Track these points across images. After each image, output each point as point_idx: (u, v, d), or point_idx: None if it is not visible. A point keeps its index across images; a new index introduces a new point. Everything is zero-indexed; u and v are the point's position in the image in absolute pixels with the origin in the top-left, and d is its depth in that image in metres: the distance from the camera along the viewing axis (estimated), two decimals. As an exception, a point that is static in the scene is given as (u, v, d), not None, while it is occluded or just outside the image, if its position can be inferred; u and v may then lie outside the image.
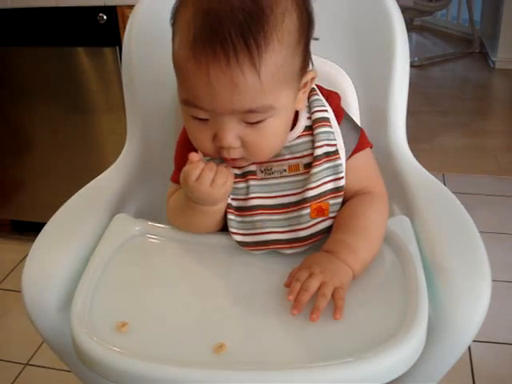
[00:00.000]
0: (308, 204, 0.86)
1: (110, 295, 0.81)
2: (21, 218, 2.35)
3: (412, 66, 4.00)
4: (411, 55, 1.10)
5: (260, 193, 0.88)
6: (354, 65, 0.96)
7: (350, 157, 0.90)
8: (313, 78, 0.87)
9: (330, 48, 0.92)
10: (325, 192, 0.87)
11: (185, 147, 0.92)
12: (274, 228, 0.87)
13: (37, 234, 0.91)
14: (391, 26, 1.07)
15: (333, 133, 0.89)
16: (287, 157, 0.89)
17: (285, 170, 0.88)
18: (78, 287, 0.81)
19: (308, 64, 0.85)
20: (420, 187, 1.01)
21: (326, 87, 0.96)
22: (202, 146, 0.84)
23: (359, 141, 0.92)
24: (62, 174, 2.15)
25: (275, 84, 0.77)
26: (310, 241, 0.87)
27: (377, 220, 0.88)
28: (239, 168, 0.89)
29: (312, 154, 0.87)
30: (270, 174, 0.88)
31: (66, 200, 1.00)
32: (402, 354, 0.69)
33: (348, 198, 0.89)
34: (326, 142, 0.88)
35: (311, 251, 0.86)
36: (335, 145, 0.88)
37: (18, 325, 1.90)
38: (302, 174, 0.88)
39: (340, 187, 0.88)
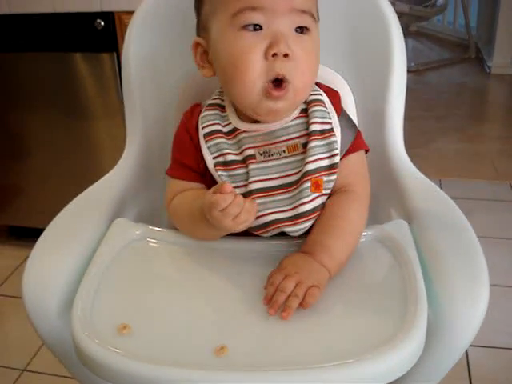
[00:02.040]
0: (308, 178, 0.87)
1: (110, 298, 0.81)
2: (18, 223, 2.35)
3: (408, 71, 3.98)
4: (407, 60, 1.11)
5: (260, 175, 0.89)
6: (351, 70, 0.97)
7: (343, 156, 0.91)
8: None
9: (327, 54, 0.92)
10: (322, 167, 0.88)
11: (183, 141, 0.94)
12: (277, 208, 0.88)
13: (34, 240, 0.91)
14: (388, 31, 1.08)
15: (328, 112, 0.92)
16: (285, 138, 0.90)
17: (284, 151, 0.90)
18: (79, 290, 0.81)
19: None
20: (417, 191, 1.02)
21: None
22: (252, 66, 0.84)
23: (354, 141, 0.94)
24: (60, 180, 2.16)
25: (314, 3, 0.88)
26: (312, 216, 0.87)
27: (355, 221, 0.89)
28: (238, 154, 0.90)
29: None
30: (269, 156, 0.90)
31: (64, 206, 1.00)
32: (402, 356, 0.70)
33: (331, 192, 0.90)
34: (320, 120, 0.90)
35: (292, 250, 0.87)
36: (330, 123, 0.90)
37: (16, 331, 1.90)
38: (301, 153, 0.89)
39: (335, 164, 0.89)
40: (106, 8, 1.80)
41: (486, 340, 1.74)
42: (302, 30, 0.86)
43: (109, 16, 1.81)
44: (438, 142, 3.18)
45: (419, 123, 3.39)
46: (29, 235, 2.28)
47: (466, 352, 1.70)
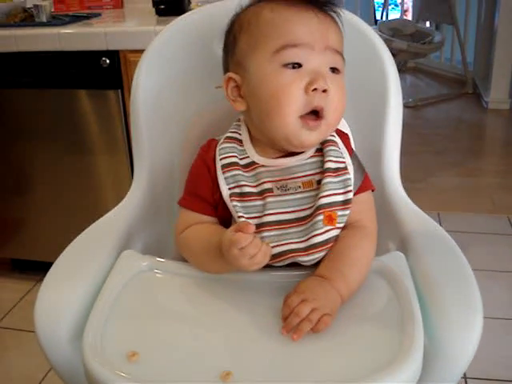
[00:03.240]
0: (321, 211, 0.90)
1: (120, 326, 0.84)
2: (21, 256, 2.35)
3: (406, 106, 4.03)
4: (406, 96, 1.15)
5: (277, 208, 0.92)
6: (348, 109, 1.00)
7: (355, 193, 0.95)
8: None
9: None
10: (336, 202, 0.92)
11: (200, 172, 0.98)
12: (291, 239, 0.91)
13: (37, 273, 0.94)
14: (384, 71, 1.13)
15: (341, 152, 0.96)
16: (300, 174, 0.95)
17: (299, 187, 0.94)
18: (89, 319, 0.84)
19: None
20: (413, 224, 1.05)
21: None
22: (292, 99, 0.90)
23: (364, 181, 0.98)
24: (63, 214, 2.17)
25: (343, 45, 0.95)
26: (325, 247, 0.90)
27: (367, 253, 0.94)
28: (255, 186, 0.94)
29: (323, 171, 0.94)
30: (285, 190, 0.93)
31: (67, 239, 1.03)
32: (399, 382, 0.72)
33: (343, 227, 0.93)
34: (335, 159, 0.94)
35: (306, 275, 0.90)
36: (344, 162, 0.95)
37: (18, 362, 1.91)
38: (315, 189, 0.93)
39: (348, 200, 0.93)
40: (112, 47, 1.84)
41: (485, 372, 1.74)
42: (334, 70, 0.93)
43: (114, 54, 1.85)
44: (437, 177, 3.21)
45: (418, 158, 3.42)
46: (31, 268, 2.30)
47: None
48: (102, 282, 0.93)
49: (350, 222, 0.94)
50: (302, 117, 0.90)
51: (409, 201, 1.12)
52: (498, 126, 4.21)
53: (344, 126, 1.11)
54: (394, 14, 6.08)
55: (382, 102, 1.13)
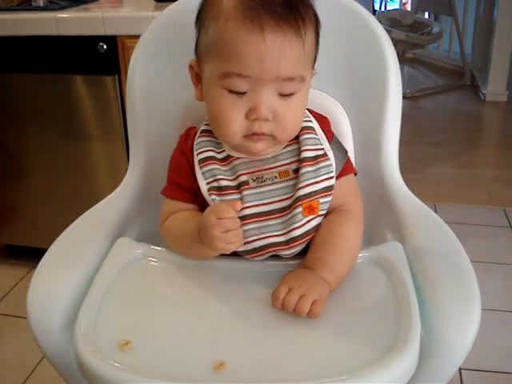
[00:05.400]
0: (300, 203, 0.90)
1: (113, 315, 0.83)
2: (16, 242, 2.36)
3: (404, 97, 4.00)
4: (403, 87, 1.14)
5: (254, 201, 0.91)
6: (348, 97, 0.99)
7: (336, 178, 0.94)
8: (313, 75, 0.93)
9: (324, 80, 0.95)
10: (316, 191, 0.91)
11: (179, 162, 0.98)
12: (270, 232, 0.90)
13: (32, 259, 0.93)
14: (384, 59, 1.11)
15: (318, 139, 0.94)
16: (276, 164, 0.93)
17: (275, 177, 0.93)
18: (82, 307, 0.83)
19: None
20: (412, 214, 1.04)
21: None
22: (233, 123, 0.87)
23: (344, 166, 0.97)
24: (58, 200, 2.16)
25: (309, 58, 0.88)
26: (306, 239, 0.91)
27: (352, 237, 0.93)
28: (232, 180, 0.93)
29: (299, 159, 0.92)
30: (261, 181, 0.92)
31: (62, 226, 1.02)
32: (395, 374, 0.71)
33: (326, 213, 0.93)
34: (312, 147, 0.93)
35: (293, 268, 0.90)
36: (322, 148, 0.93)
37: (12, 349, 1.90)
38: (292, 178, 0.92)
39: (330, 186, 0.92)
40: (109, 32, 1.82)
41: (480, 363, 1.75)
42: (285, 94, 0.87)
43: (111, 40, 1.84)
44: (433, 168, 3.21)
45: (414, 149, 3.41)
46: (26, 254, 2.30)
47: (460, 375, 1.71)
48: (95, 269, 0.92)
49: (333, 206, 0.94)
50: (245, 136, 0.88)
51: (408, 191, 1.12)
52: (496, 118, 4.21)
53: (336, 109, 1.10)
54: (392, 6, 6.04)
55: (382, 90, 1.11)
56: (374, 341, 0.77)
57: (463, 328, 0.80)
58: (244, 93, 0.85)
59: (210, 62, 0.87)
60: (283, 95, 0.86)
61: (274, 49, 0.81)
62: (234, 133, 0.88)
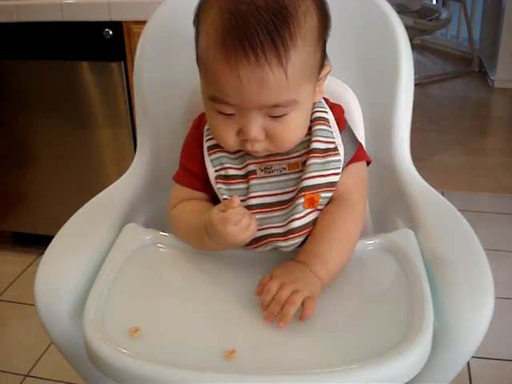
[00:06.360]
0: (302, 193, 0.88)
1: (122, 302, 0.83)
2: (22, 230, 2.36)
3: (412, 84, 4.00)
4: (411, 73, 1.12)
5: (260, 191, 0.90)
6: (359, 82, 0.98)
7: (345, 166, 0.92)
8: (328, 72, 0.91)
9: (336, 66, 0.93)
10: (320, 184, 0.89)
11: (191, 147, 0.97)
12: (271, 224, 0.89)
13: (38, 247, 0.93)
14: (396, 44, 1.09)
15: (331, 132, 0.92)
16: (286, 156, 0.91)
17: (284, 169, 0.91)
18: (90, 294, 0.82)
19: (325, 59, 0.89)
20: (423, 201, 1.02)
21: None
22: (225, 141, 0.87)
23: (356, 153, 0.95)
24: (65, 188, 2.17)
25: (299, 79, 0.81)
26: (304, 231, 0.88)
27: (349, 230, 0.90)
28: (240, 168, 0.92)
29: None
30: (269, 172, 0.91)
31: (68, 213, 1.01)
32: (407, 363, 0.71)
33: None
34: (323, 139, 0.91)
35: (285, 259, 0.88)
36: (333, 142, 0.91)
37: (18, 336, 1.91)
38: (300, 171, 0.91)
39: (334, 182, 0.90)
40: (115, 17, 1.81)
41: (488, 352, 1.74)
42: (276, 116, 0.84)
43: (117, 25, 1.82)
44: (441, 155, 3.19)
45: (422, 136, 3.39)
46: (33, 242, 2.30)
47: (468, 363, 1.70)
48: (104, 255, 0.92)
49: (336, 194, 0.91)
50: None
51: (420, 178, 1.10)
52: (504, 105, 4.18)
53: (348, 94, 1.09)
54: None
55: (394, 75, 1.09)
56: (386, 329, 0.76)
57: (476, 316, 0.79)
58: (233, 114, 0.84)
59: (201, 77, 0.86)
60: (274, 117, 0.84)
61: (252, 81, 0.78)
62: (230, 146, 0.88)
